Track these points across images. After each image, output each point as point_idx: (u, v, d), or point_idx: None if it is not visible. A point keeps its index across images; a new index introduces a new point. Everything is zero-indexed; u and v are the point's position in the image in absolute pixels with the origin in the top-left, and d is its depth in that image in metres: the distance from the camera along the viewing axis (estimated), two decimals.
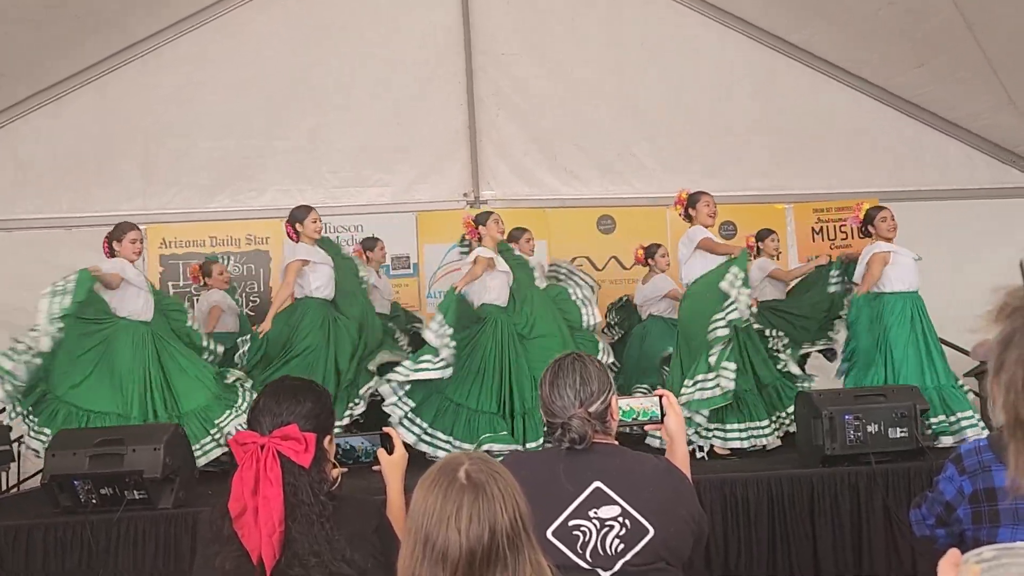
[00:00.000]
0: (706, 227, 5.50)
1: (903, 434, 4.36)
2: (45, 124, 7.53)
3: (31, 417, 4.94)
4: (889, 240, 5.53)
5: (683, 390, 5.14)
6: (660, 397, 2.28)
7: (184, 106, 7.69)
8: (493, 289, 5.63)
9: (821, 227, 8.04)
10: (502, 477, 1.48)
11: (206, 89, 7.69)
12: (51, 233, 7.44)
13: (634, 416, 2.25)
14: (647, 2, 8.10)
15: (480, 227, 5.78)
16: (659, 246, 6.94)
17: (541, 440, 5.16)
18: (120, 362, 5.15)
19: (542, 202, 7.89)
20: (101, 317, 5.21)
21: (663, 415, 2.26)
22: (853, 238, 7.71)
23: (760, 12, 7.95)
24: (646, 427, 2.38)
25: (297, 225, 5.74)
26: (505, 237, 5.95)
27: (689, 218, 5.62)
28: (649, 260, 6.93)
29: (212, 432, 5.05)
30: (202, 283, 6.72)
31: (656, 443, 4.97)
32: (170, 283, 7.56)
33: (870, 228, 5.63)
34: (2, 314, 7.21)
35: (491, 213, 5.91)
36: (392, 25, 7.87)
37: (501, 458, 1.86)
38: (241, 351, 5.63)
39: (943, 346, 5.57)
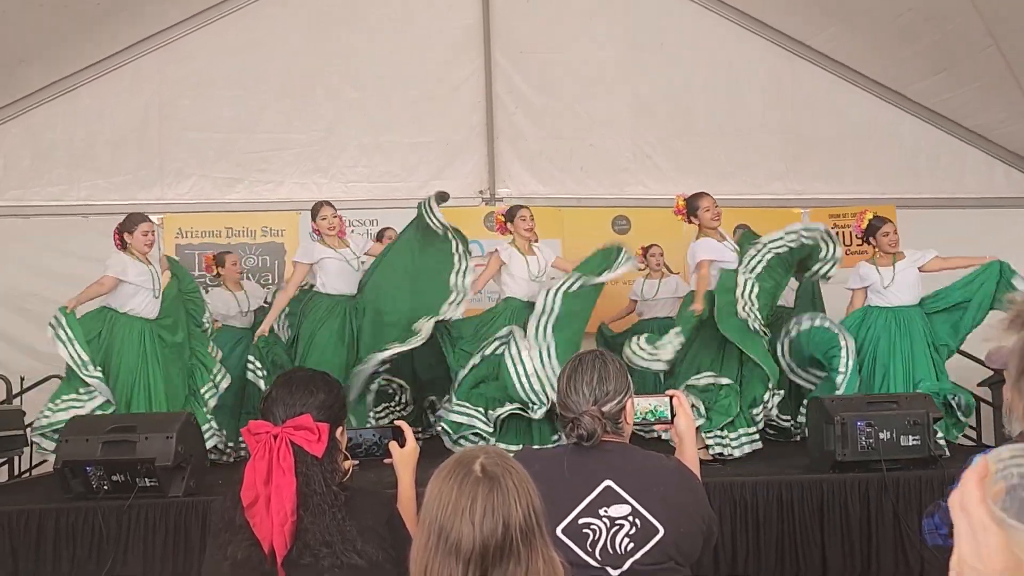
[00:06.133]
0: (712, 229, 5.42)
1: (915, 442, 4.34)
2: (63, 112, 7.56)
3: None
4: (889, 255, 5.51)
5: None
6: (670, 397, 2.27)
7: (202, 97, 7.71)
8: (509, 284, 5.66)
9: (837, 232, 7.98)
10: (516, 471, 1.48)
11: (224, 81, 7.72)
12: (68, 221, 7.46)
13: (644, 416, 2.25)
14: (665, 3, 8.07)
15: (508, 223, 5.77)
16: (654, 245, 7.09)
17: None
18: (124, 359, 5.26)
19: (557, 201, 7.89)
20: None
21: (673, 415, 2.26)
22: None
23: (780, 15, 7.92)
24: (655, 427, 2.38)
25: (312, 223, 5.83)
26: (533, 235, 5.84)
27: (696, 223, 5.51)
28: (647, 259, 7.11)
29: None
30: (215, 273, 6.73)
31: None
32: None
33: (871, 240, 5.60)
34: (19, 300, 7.29)
35: (519, 208, 5.84)
36: (412, 20, 7.88)
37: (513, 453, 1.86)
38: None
39: (958, 355, 5.56)
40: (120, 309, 5.32)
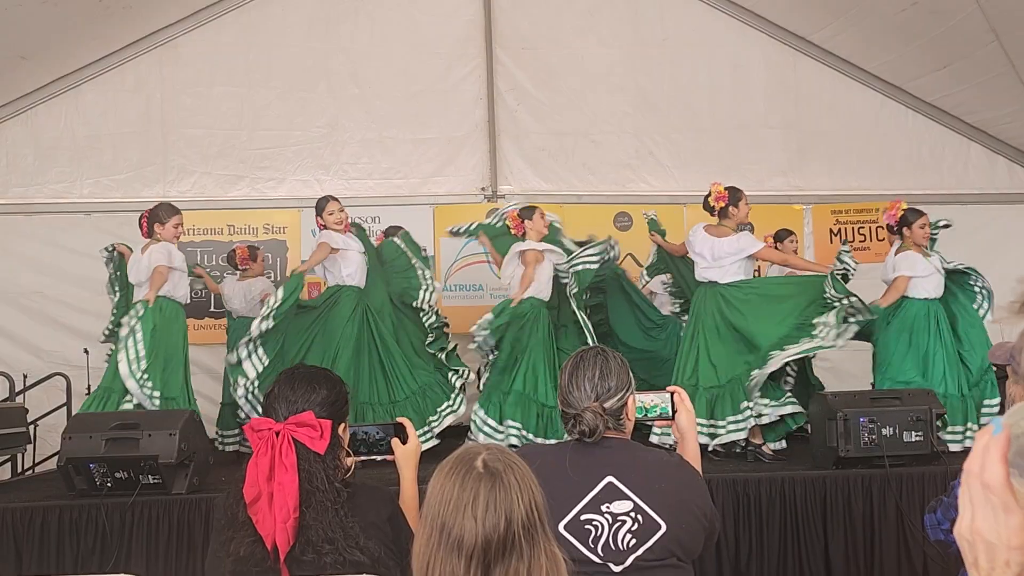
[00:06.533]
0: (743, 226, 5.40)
1: (918, 438, 4.34)
2: (66, 110, 7.57)
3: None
4: (921, 248, 5.46)
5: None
6: (672, 393, 2.27)
7: (204, 94, 7.71)
8: (539, 282, 5.57)
9: (839, 228, 7.99)
10: (519, 467, 1.48)
11: (226, 78, 7.72)
12: (70, 218, 7.47)
13: (645, 412, 2.25)
14: None
15: (526, 221, 5.69)
16: None
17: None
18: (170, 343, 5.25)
19: (559, 197, 7.86)
20: None
21: (674, 411, 2.26)
22: (870, 240, 7.67)
23: (782, 11, 7.90)
24: (656, 423, 2.37)
25: (318, 218, 5.82)
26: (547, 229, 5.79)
27: (724, 214, 5.34)
28: None
29: None
30: (247, 267, 6.85)
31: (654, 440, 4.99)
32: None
33: (905, 231, 5.49)
34: (22, 297, 7.31)
35: (535, 208, 5.79)
36: (413, 16, 7.88)
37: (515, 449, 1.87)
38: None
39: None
40: (172, 296, 5.29)
